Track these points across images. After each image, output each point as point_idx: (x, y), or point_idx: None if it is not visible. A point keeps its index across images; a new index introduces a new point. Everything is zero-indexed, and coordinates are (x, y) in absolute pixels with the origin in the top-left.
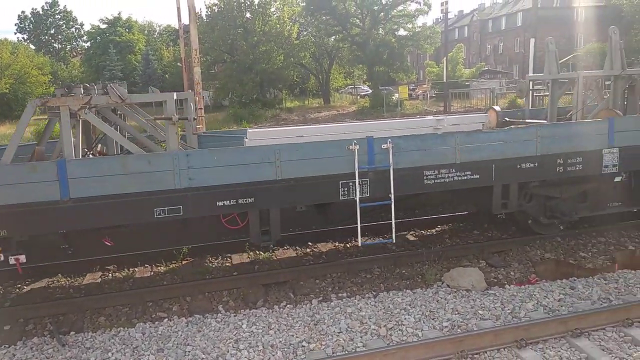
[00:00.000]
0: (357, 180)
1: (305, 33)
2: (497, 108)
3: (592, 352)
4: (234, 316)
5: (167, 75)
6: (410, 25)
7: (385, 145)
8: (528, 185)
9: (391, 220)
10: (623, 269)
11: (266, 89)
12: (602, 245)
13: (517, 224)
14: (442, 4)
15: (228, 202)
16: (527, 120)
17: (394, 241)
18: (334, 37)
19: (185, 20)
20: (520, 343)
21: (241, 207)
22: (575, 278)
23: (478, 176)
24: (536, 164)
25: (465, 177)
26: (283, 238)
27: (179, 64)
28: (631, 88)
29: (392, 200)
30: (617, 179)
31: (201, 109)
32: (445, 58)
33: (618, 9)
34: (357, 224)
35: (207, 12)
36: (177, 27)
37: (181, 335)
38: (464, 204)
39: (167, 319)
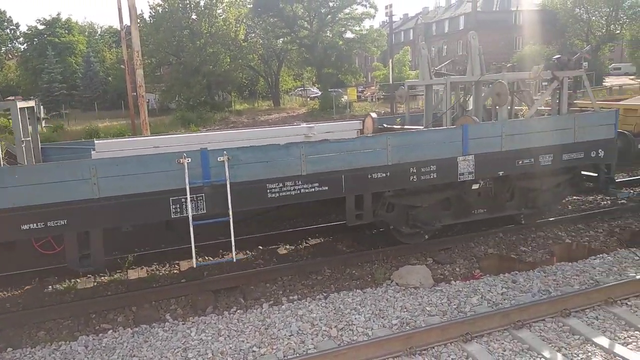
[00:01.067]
0: (188, 197)
1: (253, 35)
2: (374, 114)
3: (533, 342)
4: (183, 324)
5: (110, 78)
6: (357, 28)
7: (221, 157)
8: (383, 195)
9: (231, 238)
10: (561, 261)
11: (214, 91)
12: (541, 239)
13: (384, 234)
14: (386, 7)
15: (35, 225)
16: (405, 127)
17: (235, 260)
18: (282, 39)
19: (127, 21)
20: (466, 337)
21: (52, 230)
22: (517, 272)
23: (327, 188)
24: (388, 174)
25: (313, 189)
26: None
27: (121, 66)
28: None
29: (231, 217)
30: (475, 186)
31: (152, 108)
32: (390, 60)
33: (554, 13)
34: (191, 243)
35: (150, 12)
36: (119, 28)
37: (127, 346)
38: (325, 215)
39: (111, 330)
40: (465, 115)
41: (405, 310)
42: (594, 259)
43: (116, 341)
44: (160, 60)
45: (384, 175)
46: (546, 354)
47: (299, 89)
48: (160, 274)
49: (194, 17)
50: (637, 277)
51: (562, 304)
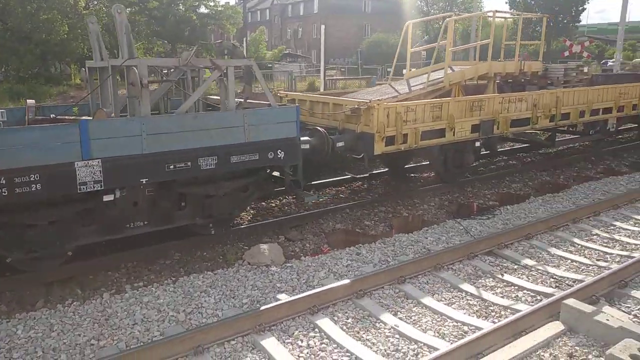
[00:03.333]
0: None
1: (95, 3)
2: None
3: (373, 309)
4: (7, 322)
5: None
6: (211, 4)
7: None
8: None
9: None
10: (399, 233)
11: (50, 62)
12: (382, 213)
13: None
14: None
15: None
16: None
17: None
18: (129, 9)
19: None
20: (312, 309)
21: None
22: (361, 245)
23: None
24: None
25: None
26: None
27: None
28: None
29: None
30: (108, 197)
31: None
32: (245, 39)
33: (400, 4)
34: None
35: None
36: None
37: None
38: None
39: None
40: (99, 109)
41: (256, 288)
42: (427, 230)
43: None
44: None
45: None
46: (384, 318)
47: None
48: None
49: None
50: (459, 243)
51: (398, 272)
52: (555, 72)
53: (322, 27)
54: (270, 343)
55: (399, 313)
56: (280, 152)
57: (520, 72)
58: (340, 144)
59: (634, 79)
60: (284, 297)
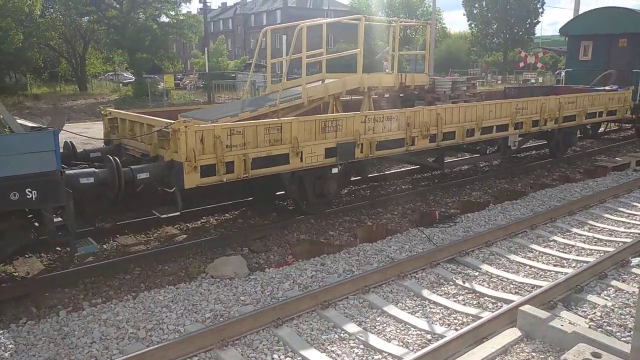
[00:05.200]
0: None
1: (52, 10)
2: None
3: (338, 320)
4: None
5: None
6: (173, 13)
7: None
8: None
9: None
10: (363, 242)
11: (5, 72)
12: (347, 223)
13: None
14: None
15: None
16: None
17: None
18: (87, 17)
19: None
20: (277, 322)
21: None
22: (326, 255)
23: None
24: None
25: None
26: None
27: None
28: None
29: None
30: None
31: None
32: (206, 49)
33: (358, 13)
34: None
35: None
36: None
37: None
38: None
39: None
40: None
41: (219, 302)
42: (390, 239)
43: None
44: None
45: None
46: (348, 328)
47: (110, 73)
48: None
49: None
50: (422, 251)
51: (362, 282)
52: (442, 86)
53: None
54: (233, 358)
55: (362, 323)
56: (31, 192)
57: (402, 86)
58: (143, 175)
59: (550, 91)
60: (247, 310)
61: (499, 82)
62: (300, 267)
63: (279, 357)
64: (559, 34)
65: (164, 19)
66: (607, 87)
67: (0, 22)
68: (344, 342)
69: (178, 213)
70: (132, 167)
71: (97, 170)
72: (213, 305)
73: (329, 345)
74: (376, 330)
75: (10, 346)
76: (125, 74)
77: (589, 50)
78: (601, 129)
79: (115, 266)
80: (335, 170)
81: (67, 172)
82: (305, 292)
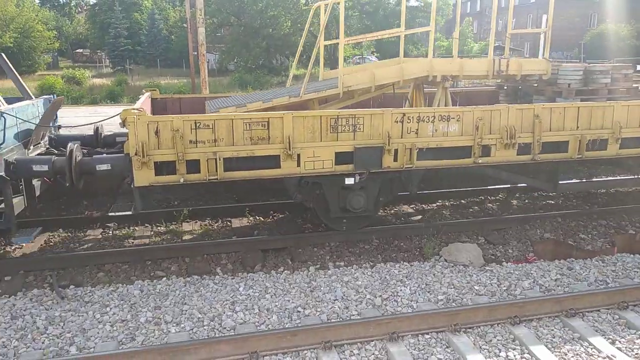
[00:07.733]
0: None
1: None
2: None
3: (585, 332)
4: (232, 279)
5: (173, 37)
6: None
7: None
8: None
9: None
10: (622, 252)
11: (273, 55)
12: (602, 227)
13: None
14: None
15: None
16: None
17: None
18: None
19: None
20: (514, 320)
21: None
22: (574, 259)
23: None
24: None
25: None
26: None
27: (184, 24)
28: None
29: None
30: None
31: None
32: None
33: None
34: None
35: None
36: None
37: (179, 294)
38: None
39: (165, 278)
40: None
41: (452, 287)
42: None
43: (169, 288)
44: (222, 21)
45: None
46: (598, 344)
47: (357, 57)
48: (213, 229)
49: None
50: None
51: (620, 296)
52: (568, 77)
53: (544, 17)
54: (465, 345)
55: (617, 342)
56: None
57: (499, 74)
58: (103, 167)
59: None
60: (482, 301)
61: None
62: (543, 267)
63: (514, 356)
64: None
65: (412, 3)
66: None
67: (273, 11)
68: (591, 357)
69: (130, 213)
70: (94, 157)
71: (54, 158)
72: (446, 288)
73: (572, 356)
74: (634, 354)
75: (271, 289)
76: (370, 58)
77: None
78: None
79: (358, 235)
80: (350, 181)
81: (17, 158)
82: (548, 294)
